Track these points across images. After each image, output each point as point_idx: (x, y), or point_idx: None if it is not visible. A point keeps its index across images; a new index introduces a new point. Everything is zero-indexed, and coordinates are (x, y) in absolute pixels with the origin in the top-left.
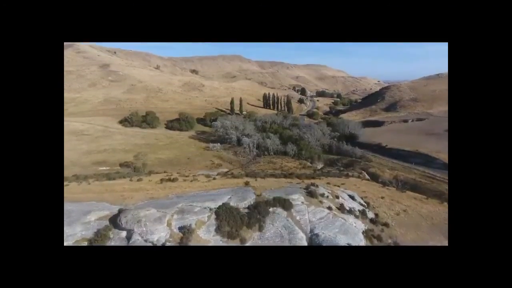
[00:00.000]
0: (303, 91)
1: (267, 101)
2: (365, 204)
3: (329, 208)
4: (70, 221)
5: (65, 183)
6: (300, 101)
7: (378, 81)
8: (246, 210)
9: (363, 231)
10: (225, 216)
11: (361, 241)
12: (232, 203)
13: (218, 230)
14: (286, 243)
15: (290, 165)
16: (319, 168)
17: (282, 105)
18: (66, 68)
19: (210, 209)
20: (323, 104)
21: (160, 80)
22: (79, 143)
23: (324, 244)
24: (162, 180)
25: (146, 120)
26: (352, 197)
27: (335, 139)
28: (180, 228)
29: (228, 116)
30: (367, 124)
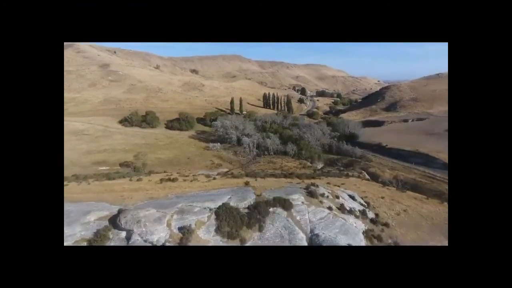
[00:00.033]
0: (303, 91)
1: (267, 101)
2: (365, 204)
3: (329, 208)
4: (70, 221)
5: (65, 183)
6: (300, 101)
7: (378, 81)
8: (246, 210)
9: (363, 231)
10: (225, 216)
11: (361, 241)
12: (232, 203)
13: (218, 230)
14: (286, 243)
15: (290, 165)
16: (319, 168)
17: (282, 105)
18: (66, 68)
19: (210, 209)
20: (323, 104)
21: (160, 80)
22: (79, 143)
23: (324, 244)
24: (162, 180)
25: (146, 120)
26: (352, 197)
27: (335, 139)
28: (180, 229)
29: (228, 116)
30: (367, 124)
